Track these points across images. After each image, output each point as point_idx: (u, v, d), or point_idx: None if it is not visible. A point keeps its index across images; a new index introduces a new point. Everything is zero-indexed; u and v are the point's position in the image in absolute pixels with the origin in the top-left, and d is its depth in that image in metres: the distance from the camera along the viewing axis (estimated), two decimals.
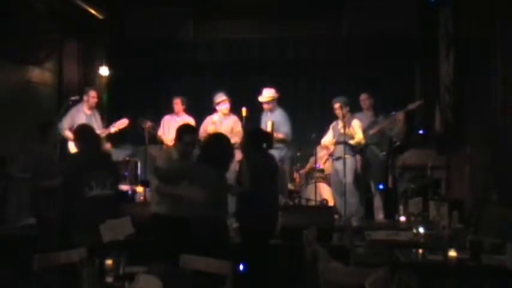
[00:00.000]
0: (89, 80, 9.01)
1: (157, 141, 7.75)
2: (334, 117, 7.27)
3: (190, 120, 7.57)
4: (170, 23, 9.37)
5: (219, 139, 4.61)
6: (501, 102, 5.39)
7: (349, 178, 6.87)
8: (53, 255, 3.33)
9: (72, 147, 7.18)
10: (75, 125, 7.04)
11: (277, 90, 7.46)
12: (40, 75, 8.12)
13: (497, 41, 5.45)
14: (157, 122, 7.73)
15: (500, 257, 3.53)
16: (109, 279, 2.97)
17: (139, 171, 7.87)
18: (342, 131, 6.93)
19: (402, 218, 5.09)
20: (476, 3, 6.08)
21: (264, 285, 4.71)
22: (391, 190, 7.17)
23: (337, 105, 7.00)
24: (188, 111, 7.84)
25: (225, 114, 7.40)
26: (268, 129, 6.95)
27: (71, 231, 4.18)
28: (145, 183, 6.95)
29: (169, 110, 7.83)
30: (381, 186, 7.20)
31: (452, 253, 3.50)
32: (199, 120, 7.58)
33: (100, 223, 3.64)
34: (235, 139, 7.23)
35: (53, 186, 4.96)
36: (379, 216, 7.14)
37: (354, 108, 7.33)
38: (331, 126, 7.34)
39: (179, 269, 3.35)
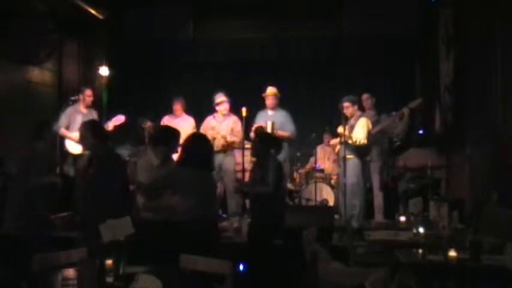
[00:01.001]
0: (89, 80, 9.01)
1: None
2: (334, 117, 7.25)
3: (190, 121, 7.56)
4: (170, 23, 9.37)
5: (198, 140, 4.53)
6: (501, 102, 5.40)
7: (353, 179, 6.80)
8: (53, 255, 3.33)
9: (69, 146, 7.21)
10: (71, 124, 7.11)
11: (278, 90, 7.49)
12: (40, 75, 8.12)
13: (497, 41, 5.45)
14: (157, 122, 7.72)
15: (500, 257, 3.53)
16: (109, 279, 2.97)
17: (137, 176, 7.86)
18: (340, 130, 6.95)
19: (402, 218, 5.08)
20: (476, 3, 6.09)
21: (264, 285, 4.71)
22: (391, 190, 7.17)
23: (345, 104, 6.91)
24: (188, 111, 7.83)
25: (224, 115, 7.41)
26: (269, 129, 6.94)
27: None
28: None
29: (169, 110, 7.82)
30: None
31: (452, 253, 3.50)
32: (200, 120, 7.58)
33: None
34: (235, 139, 7.26)
35: (42, 184, 4.97)
36: (379, 216, 7.13)
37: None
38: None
39: (179, 269, 3.35)
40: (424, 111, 7.81)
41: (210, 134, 7.31)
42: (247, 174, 6.15)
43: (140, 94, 9.32)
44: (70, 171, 7.09)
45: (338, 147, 7.29)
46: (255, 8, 9.08)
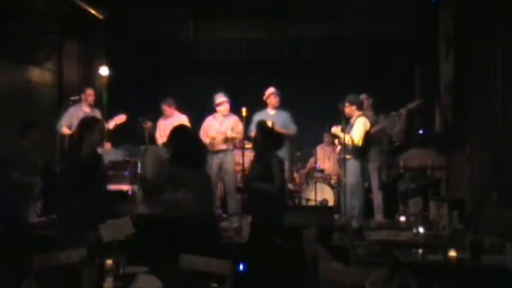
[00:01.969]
0: (89, 80, 9.01)
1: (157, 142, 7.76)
2: (334, 117, 7.24)
3: (184, 119, 7.55)
4: (170, 23, 9.37)
5: (186, 137, 4.47)
6: (501, 102, 5.40)
7: (352, 179, 6.81)
8: (53, 255, 3.33)
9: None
10: (73, 124, 7.10)
11: (278, 90, 7.51)
12: (40, 75, 8.12)
13: (497, 41, 5.45)
14: (156, 122, 7.74)
15: (500, 257, 3.52)
16: (109, 279, 2.97)
17: (139, 171, 7.87)
18: (333, 130, 6.96)
19: (402, 218, 5.07)
20: (476, 3, 6.09)
21: (264, 285, 4.71)
22: (391, 190, 7.17)
23: (346, 104, 6.92)
24: (188, 111, 7.84)
25: (224, 115, 7.42)
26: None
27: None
28: None
29: (163, 114, 7.80)
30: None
31: (452, 253, 3.50)
32: (200, 120, 7.58)
33: None
34: (235, 135, 7.26)
35: (22, 183, 4.95)
36: (379, 216, 7.13)
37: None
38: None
39: (179, 269, 3.35)
40: (424, 111, 7.80)
41: (210, 134, 7.33)
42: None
43: (140, 94, 9.31)
44: None
45: (339, 147, 7.30)
46: (255, 8, 9.08)
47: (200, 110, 8.00)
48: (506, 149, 5.25)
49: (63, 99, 8.04)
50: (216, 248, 3.93)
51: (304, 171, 8.31)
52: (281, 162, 5.11)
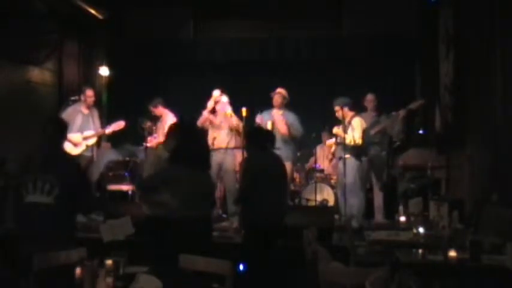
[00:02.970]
0: (89, 80, 9.01)
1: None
2: (333, 117, 7.25)
3: (172, 117, 7.54)
4: (170, 23, 9.37)
5: (190, 134, 4.20)
6: (501, 102, 5.39)
7: (350, 179, 6.84)
8: (53, 255, 3.33)
9: (67, 147, 7.20)
10: (71, 125, 7.09)
11: (286, 92, 7.53)
12: (40, 75, 8.12)
13: (497, 41, 5.45)
14: (156, 123, 7.73)
15: (500, 257, 3.52)
16: (109, 279, 2.97)
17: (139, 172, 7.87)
18: (335, 130, 6.96)
19: (402, 218, 5.08)
20: (476, 3, 6.08)
21: (264, 285, 4.71)
22: (391, 190, 7.17)
23: (336, 108, 7.00)
24: (188, 111, 7.83)
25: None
26: (269, 128, 6.95)
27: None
28: None
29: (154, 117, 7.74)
30: None
31: (452, 253, 3.50)
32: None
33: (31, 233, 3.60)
34: (239, 122, 7.26)
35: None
36: (379, 216, 7.13)
37: (356, 108, 7.32)
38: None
39: (179, 269, 3.34)
40: (424, 111, 7.80)
41: (210, 134, 7.32)
42: None
43: (140, 94, 9.30)
44: None
45: (333, 147, 7.32)
46: (255, 8, 9.08)
47: (200, 110, 7.98)
48: (506, 149, 5.25)
49: (63, 99, 8.03)
50: (206, 249, 3.74)
51: (304, 171, 8.31)
52: (278, 159, 5.05)
